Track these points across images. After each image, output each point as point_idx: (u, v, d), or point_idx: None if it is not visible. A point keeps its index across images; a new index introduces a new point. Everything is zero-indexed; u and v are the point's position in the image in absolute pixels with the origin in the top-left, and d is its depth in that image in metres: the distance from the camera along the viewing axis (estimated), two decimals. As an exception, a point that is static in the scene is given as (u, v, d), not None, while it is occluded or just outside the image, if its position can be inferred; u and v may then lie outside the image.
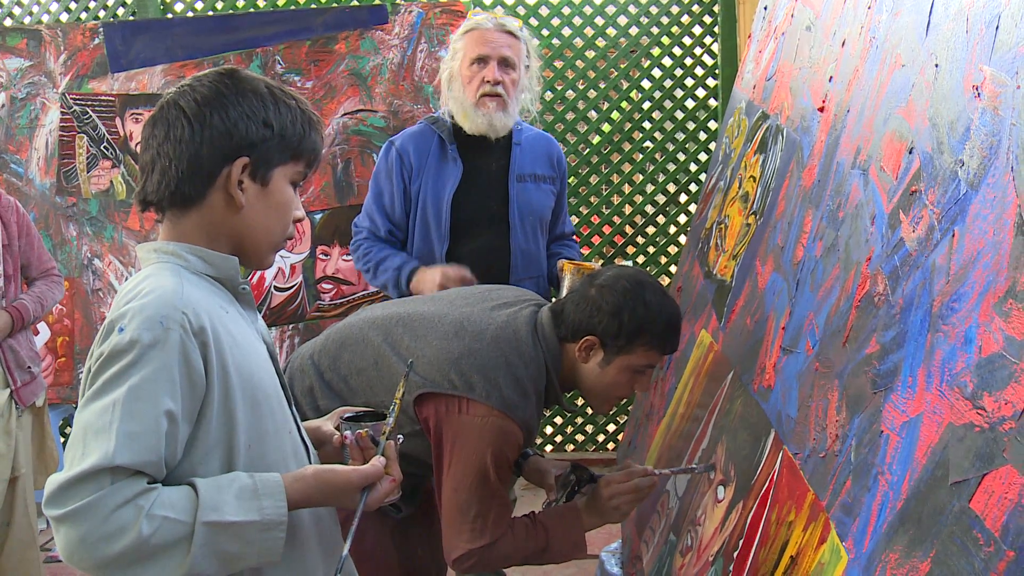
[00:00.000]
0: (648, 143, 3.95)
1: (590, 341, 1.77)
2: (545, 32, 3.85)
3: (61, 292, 2.86)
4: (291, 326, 3.47)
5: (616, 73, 3.93)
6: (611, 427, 4.19)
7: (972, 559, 0.93)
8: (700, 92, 3.89)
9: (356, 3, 3.66)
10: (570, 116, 3.93)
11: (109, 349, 1.09)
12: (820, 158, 1.77)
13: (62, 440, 3.56)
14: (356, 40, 3.39)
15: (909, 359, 1.20)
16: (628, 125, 3.91)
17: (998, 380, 0.98)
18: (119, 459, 1.05)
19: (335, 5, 3.69)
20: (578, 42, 3.86)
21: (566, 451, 4.16)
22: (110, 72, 3.46)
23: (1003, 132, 1.09)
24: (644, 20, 3.84)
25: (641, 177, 4.05)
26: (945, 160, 1.23)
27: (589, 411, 4.04)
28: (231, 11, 3.86)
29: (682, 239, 3.91)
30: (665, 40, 3.86)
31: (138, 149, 1.33)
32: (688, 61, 3.87)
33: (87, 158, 3.51)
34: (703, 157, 3.90)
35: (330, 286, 3.46)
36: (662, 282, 2.56)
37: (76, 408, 1.13)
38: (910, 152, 1.36)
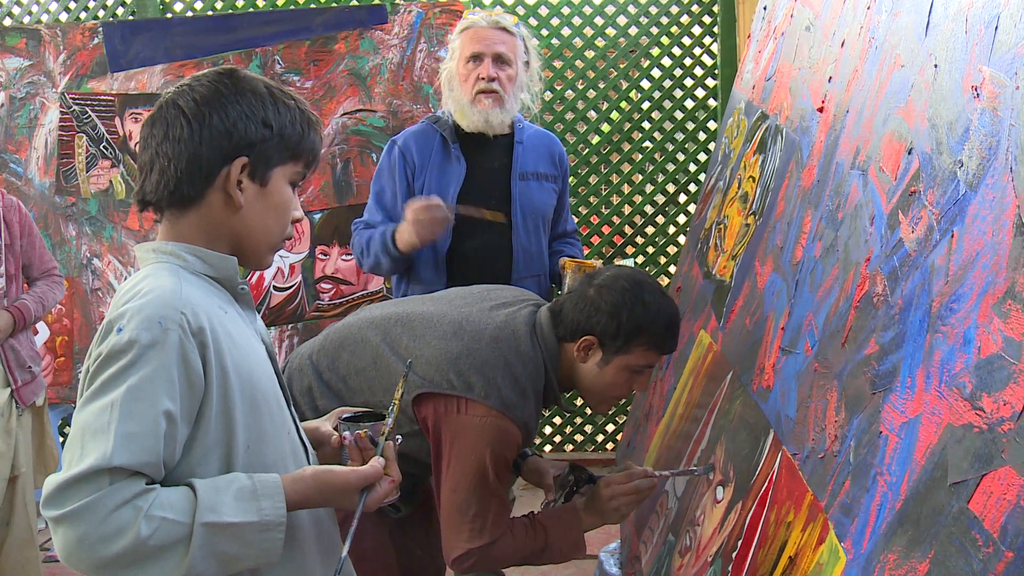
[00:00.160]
0: (647, 143, 3.95)
1: (589, 341, 1.77)
2: (544, 32, 3.85)
3: (62, 292, 2.87)
4: (290, 326, 3.47)
5: (615, 73, 3.93)
6: (610, 427, 4.19)
7: (971, 560, 0.93)
8: (699, 92, 3.89)
9: (355, 3, 3.66)
10: (569, 116, 3.93)
11: (108, 349, 1.09)
12: (819, 158, 1.77)
13: (61, 440, 3.56)
14: (355, 40, 3.39)
15: (908, 360, 1.20)
16: (627, 125, 3.91)
17: (997, 381, 0.98)
18: (117, 460, 1.05)
19: (334, 5, 3.68)
20: (577, 42, 3.86)
21: (565, 451, 4.16)
22: (109, 72, 3.47)
23: (1002, 133, 1.09)
24: (643, 20, 3.84)
25: (640, 177, 4.05)
26: (944, 161, 1.23)
27: (588, 411, 4.04)
28: (230, 11, 3.86)
29: (681, 239, 3.91)
30: (664, 40, 3.86)
31: (137, 149, 1.33)
32: (687, 61, 3.87)
33: (86, 158, 3.51)
34: (702, 157, 3.90)
35: (329, 286, 3.46)
36: (661, 282, 2.57)
37: (75, 408, 1.13)
38: (909, 153, 1.36)
